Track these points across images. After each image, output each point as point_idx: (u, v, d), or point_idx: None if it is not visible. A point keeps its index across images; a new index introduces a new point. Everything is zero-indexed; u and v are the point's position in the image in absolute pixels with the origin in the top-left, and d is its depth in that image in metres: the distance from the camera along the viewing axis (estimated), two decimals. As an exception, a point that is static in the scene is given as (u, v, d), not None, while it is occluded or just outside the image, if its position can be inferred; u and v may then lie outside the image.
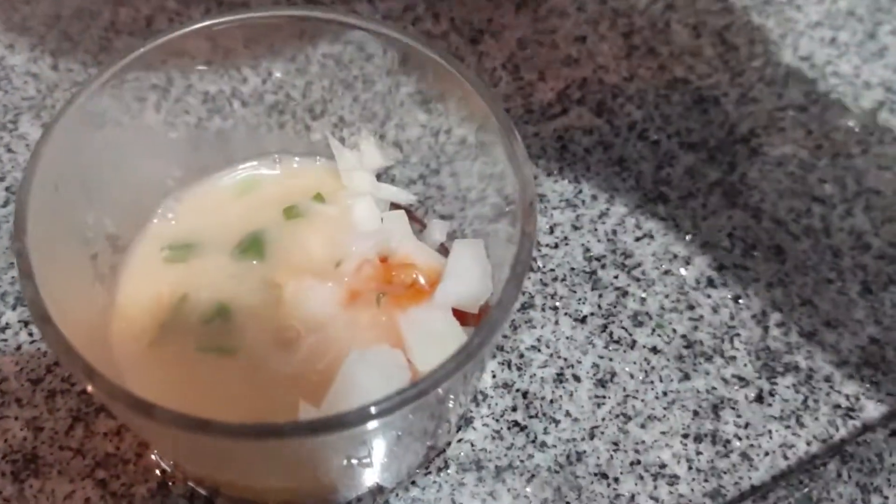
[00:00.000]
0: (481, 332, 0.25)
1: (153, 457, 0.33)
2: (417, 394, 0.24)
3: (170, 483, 0.33)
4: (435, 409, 0.29)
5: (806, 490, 0.31)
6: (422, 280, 0.33)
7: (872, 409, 0.37)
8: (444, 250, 0.34)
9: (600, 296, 0.38)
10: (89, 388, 0.24)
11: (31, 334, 0.36)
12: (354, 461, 0.27)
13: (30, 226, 0.25)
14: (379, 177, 0.36)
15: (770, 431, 0.36)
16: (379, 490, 0.33)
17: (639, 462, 0.35)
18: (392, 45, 0.31)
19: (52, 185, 0.27)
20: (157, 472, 0.33)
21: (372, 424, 0.24)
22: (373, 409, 0.23)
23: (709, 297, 0.39)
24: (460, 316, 0.32)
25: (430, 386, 0.24)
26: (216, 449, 0.26)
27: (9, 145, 0.41)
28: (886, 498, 0.32)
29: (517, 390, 0.36)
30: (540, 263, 0.39)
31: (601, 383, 0.36)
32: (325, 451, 0.27)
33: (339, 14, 0.31)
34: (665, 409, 0.36)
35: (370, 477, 0.31)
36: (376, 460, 0.28)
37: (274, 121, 0.34)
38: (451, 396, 0.29)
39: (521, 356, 0.37)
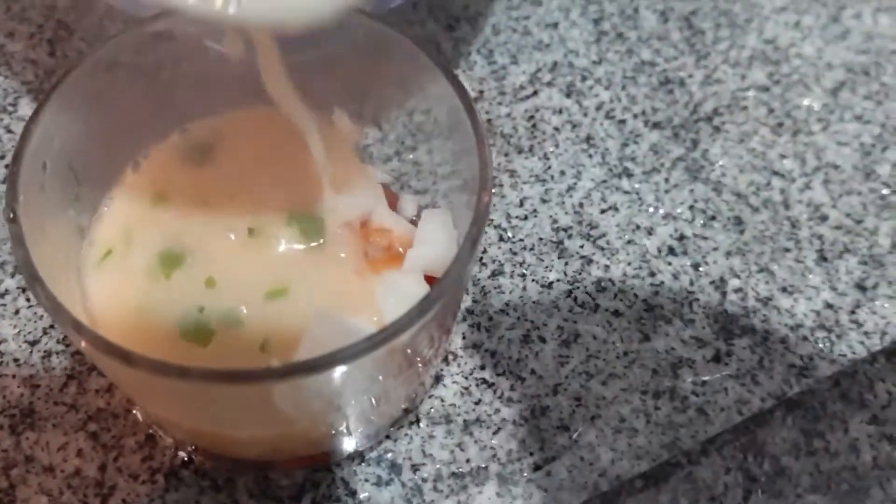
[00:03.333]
0: (439, 284, 0.27)
1: (139, 414, 0.35)
2: (381, 340, 0.26)
3: (156, 435, 0.35)
4: (405, 369, 0.31)
5: (752, 436, 0.33)
6: (397, 247, 0.35)
7: (826, 369, 0.38)
8: (414, 224, 0.36)
9: (566, 264, 0.40)
10: (76, 341, 0.26)
11: (28, 300, 0.38)
12: (330, 421, 0.29)
13: (21, 195, 0.28)
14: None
15: (726, 389, 0.38)
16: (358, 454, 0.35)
17: (599, 416, 0.37)
18: (368, 30, 0.33)
19: (41, 161, 0.29)
20: (145, 424, 0.35)
21: (339, 369, 0.26)
22: (339, 355, 0.25)
23: (669, 264, 0.41)
24: (430, 282, 0.34)
25: (392, 333, 0.26)
26: (194, 397, 0.28)
27: (9, 126, 0.43)
28: (828, 442, 0.34)
29: (486, 350, 0.38)
30: (510, 234, 0.41)
31: (565, 344, 0.38)
32: (299, 399, 0.29)
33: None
34: (625, 367, 0.38)
35: (347, 440, 0.33)
36: (351, 422, 0.30)
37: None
38: (418, 357, 0.31)
39: (490, 319, 0.39)
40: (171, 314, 0.31)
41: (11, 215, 0.27)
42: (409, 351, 0.29)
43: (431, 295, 0.27)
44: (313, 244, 0.33)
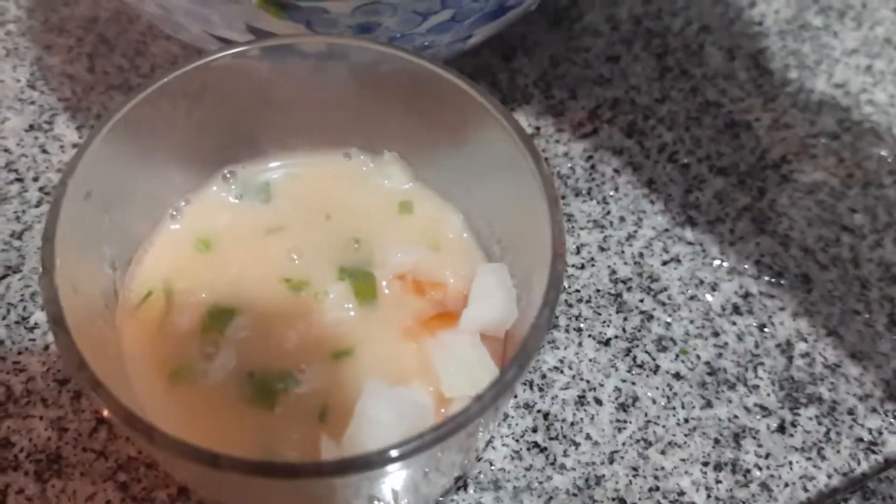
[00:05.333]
0: (514, 364, 0.25)
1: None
2: (448, 431, 0.23)
3: (189, 490, 0.33)
4: (464, 444, 0.29)
5: (827, 526, 0.31)
6: (450, 304, 0.33)
7: (895, 445, 0.36)
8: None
9: (625, 319, 0.38)
10: (99, 406, 0.24)
11: (58, 335, 0.36)
12: (376, 495, 0.27)
13: (58, 259, 0.26)
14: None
15: (791, 462, 0.35)
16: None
17: (657, 488, 0.34)
18: (417, 71, 0.31)
19: (84, 193, 0.27)
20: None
21: (393, 467, 0.23)
22: (394, 452, 0.23)
23: (734, 324, 0.39)
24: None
25: (461, 423, 0.24)
26: (226, 481, 0.26)
27: (44, 146, 0.41)
28: (908, 538, 0.32)
29: (538, 411, 0.36)
30: (565, 284, 0.39)
31: (623, 407, 0.36)
32: (345, 491, 0.27)
33: (364, 40, 0.31)
34: (686, 436, 0.36)
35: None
36: (399, 495, 0.28)
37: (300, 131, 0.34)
38: (481, 430, 0.29)
39: (544, 377, 0.37)
40: (221, 371, 0.29)
41: (48, 282, 0.25)
42: (474, 430, 0.26)
43: (506, 378, 0.24)
44: (366, 304, 0.31)
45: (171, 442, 0.23)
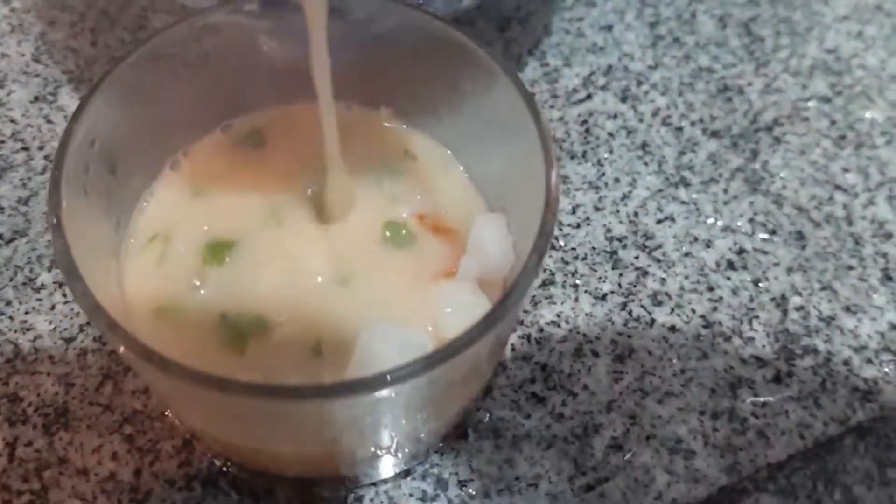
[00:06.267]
0: (503, 303, 0.26)
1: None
2: (441, 358, 0.24)
3: (194, 441, 0.34)
4: (458, 384, 0.29)
5: (822, 463, 0.31)
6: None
7: (891, 394, 0.37)
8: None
9: (620, 275, 0.39)
10: (113, 343, 0.24)
11: (64, 295, 0.37)
12: (376, 440, 0.28)
13: (64, 202, 0.26)
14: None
15: (787, 411, 0.36)
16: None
17: (655, 436, 0.35)
18: (419, 26, 0.32)
19: (84, 163, 0.28)
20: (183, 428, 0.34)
21: (392, 390, 0.24)
22: (392, 375, 0.23)
23: (728, 279, 0.39)
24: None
25: (451, 353, 0.24)
26: (233, 410, 0.26)
27: (48, 116, 0.42)
28: (902, 474, 0.32)
29: (536, 363, 0.36)
30: (562, 242, 0.40)
31: (619, 359, 0.37)
32: (348, 430, 0.27)
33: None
34: (682, 386, 0.36)
35: (394, 459, 0.32)
36: (398, 440, 0.29)
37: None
38: (474, 371, 0.29)
39: (541, 330, 0.37)
40: (218, 305, 0.30)
41: (55, 221, 0.25)
42: (466, 367, 0.27)
43: (495, 313, 0.25)
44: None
45: (183, 371, 0.24)
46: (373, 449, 0.30)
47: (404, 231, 0.33)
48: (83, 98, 0.28)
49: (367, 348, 0.28)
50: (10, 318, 0.36)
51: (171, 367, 0.24)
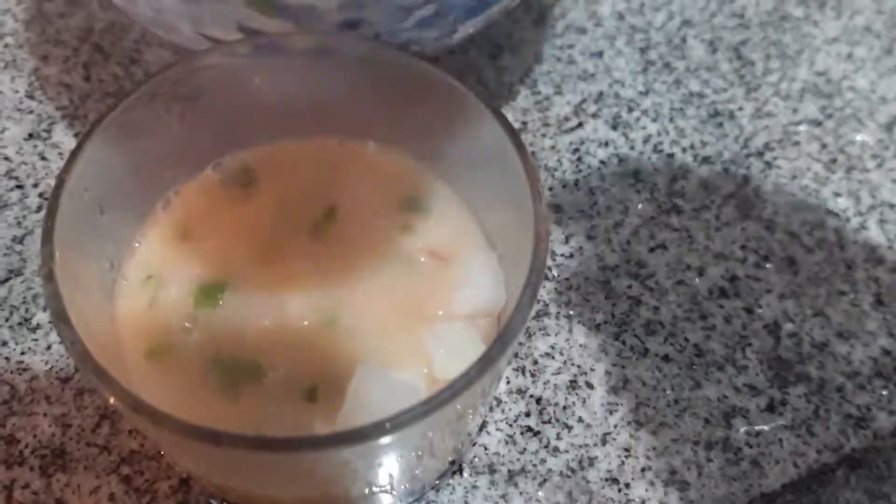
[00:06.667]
0: (500, 341, 0.26)
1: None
2: (435, 405, 0.24)
3: (190, 480, 0.34)
4: (455, 424, 0.29)
5: (814, 496, 0.32)
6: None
7: (884, 420, 0.37)
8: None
9: (614, 305, 0.39)
10: (104, 394, 0.25)
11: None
12: (371, 479, 0.28)
13: (57, 252, 0.27)
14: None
15: (781, 440, 0.36)
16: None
17: (650, 468, 0.35)
18: (408, 66, 0.32)
19: (82, 190, 0.28)
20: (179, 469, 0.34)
21: (388, 438, 0.24)
22: (388, 424, 0.23)
23: (721, 307, 0.39)
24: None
25: (448, 398, 0.24)
26: (226, 459, 0.26)
27: (42, 153, 0.42)
28: (895, 506, 0.32)
29: (531, 396, 0.36)
30: (555, 272, 0.40)
31: (614, 390, 0.37)
32: (342, 473, 0.28)
33: (353, 37, 0.32)
34: (676, 416, 0.36)
35: (390, 498, 0.32)
36: (395, 479, 0.29)
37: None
38: (470, 410, 0.30)
39: (535, 363, 0.37)
40: (211, 349, 0.30)
41: (48, 272, 0.26)
42: (462, 409, 0.27)
43: (491, 353, 0.25)
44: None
45: (173, 423, 0.24)
46: (368, 489, 0.30)
47: (400, 265, 0.33)
48: (74, 148, 0.28)
49: (360, 393, 0.28)
50: (6, 358, 0.36)
51: (160, 419, 0.24)
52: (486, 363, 0.25)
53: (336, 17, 0.32)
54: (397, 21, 0.33)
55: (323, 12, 0.32)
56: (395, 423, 0.24)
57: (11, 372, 0.36)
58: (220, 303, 0.31)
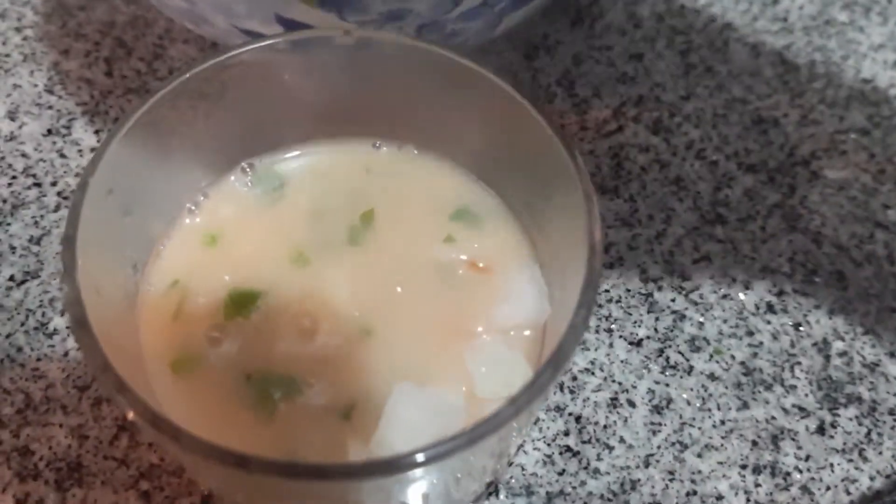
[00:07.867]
0: (549, 368, 0.24)
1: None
2: (481, 434, 0.22)
3: (213, 498, 0.32)
4: (496, 447, 0.28)
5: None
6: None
7: (939, 446, 0.35)
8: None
9: (657, 319, 0.37)
10: (123, 408, 0.23)
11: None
12: (405, 501, 0.26)
13: (79, 259, 0.25)
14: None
15: (832, 465, 0.34)
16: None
17: (695, 493, 0.33)
18: (449, 64, 0.30)
19: (106, 191, 0.27)
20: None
21: (423, 470, 0.22)
22: (421, 456, 0.22)
23: (768, 323, 0.37)
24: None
25: (494, 427, 0.23)
26: (253, 482, 0.25)
27: (62, 150, 0.41)
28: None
29: (570, 414, 0.35)
30: (594, 284, 0.38)
31: (657, 409, 0.35)
32: (373, 496, 0.26)
33: (395, 34, 0.30)
34: (723, 438, 0.35)
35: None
36: (430, 501, 0.27)
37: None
38: (514, 434, 0.28)
39: (574, 379, 0.36)
40: (242, 362, 0.28)
41: (69, 276, 0.24)
42: (506, 433, 0.25)
43: (541, 379, 0.23)
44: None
45: (197, 443, 0.22)
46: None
47: (440, 277, 0.31)
48: (98, 147, 0.27)
49: (397, 412, 0.27)
50: (22, 365, 0.35)
51: (184, 438, 0.22)
52: (535, 390, 0.23)
53: (381, 6, 0.31)
54: (443, 11, 0.32)
55: (368, 2, 0.30)
56: (437, 453, 0.22)
57: (26, 379, 0.34)
58: (253, 313, 0.29)
